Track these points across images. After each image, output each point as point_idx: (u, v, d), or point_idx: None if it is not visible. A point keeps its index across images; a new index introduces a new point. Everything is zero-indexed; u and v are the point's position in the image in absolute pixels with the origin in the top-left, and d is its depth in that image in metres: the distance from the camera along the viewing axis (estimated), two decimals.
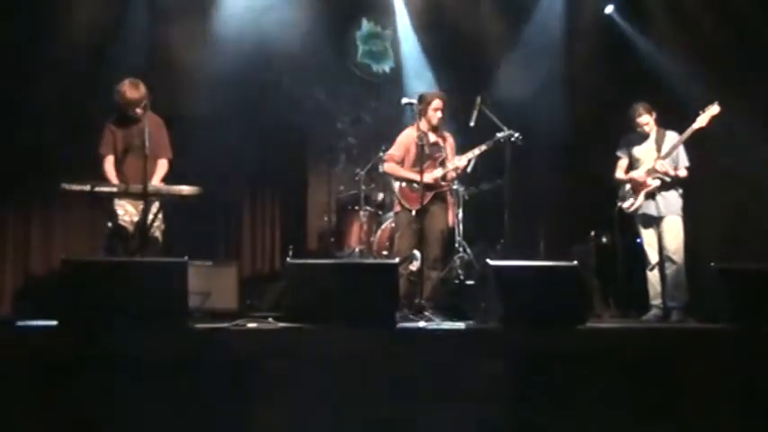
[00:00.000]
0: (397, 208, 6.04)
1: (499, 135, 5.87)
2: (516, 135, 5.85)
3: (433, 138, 5.95)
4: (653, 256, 5.92)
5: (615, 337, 4.77)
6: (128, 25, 6.98)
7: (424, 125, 5.87)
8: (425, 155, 5.76)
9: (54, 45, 6.69)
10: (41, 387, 3.80)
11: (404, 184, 5.95)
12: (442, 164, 5.91)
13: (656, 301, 5.88)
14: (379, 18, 8.17)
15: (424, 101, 5.90)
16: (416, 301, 5.50)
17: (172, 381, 3.84)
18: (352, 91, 7.91)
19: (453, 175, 5.98)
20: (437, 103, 5.91)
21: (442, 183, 5.90)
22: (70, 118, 6.55)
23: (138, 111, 5.47)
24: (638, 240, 6.05)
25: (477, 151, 5.93)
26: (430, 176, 5.80)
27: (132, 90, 5.47)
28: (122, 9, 6.99)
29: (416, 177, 5.76)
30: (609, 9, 7.95)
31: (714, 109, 5.76)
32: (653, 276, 5.92)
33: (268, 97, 7.48)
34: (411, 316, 5.24)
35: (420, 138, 5.67)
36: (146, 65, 6.53)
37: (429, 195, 5.80)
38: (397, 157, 6.02)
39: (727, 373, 4.41)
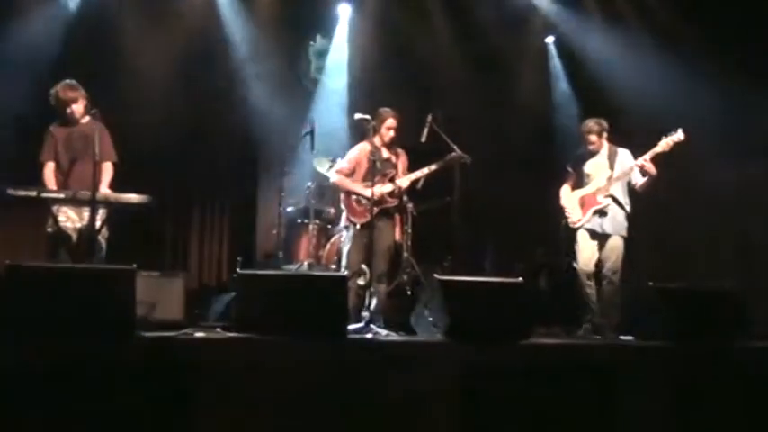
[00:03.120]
0: (346, 222, 6.10)
1: (449, 157, 5.99)
2: (465, 157, 5.96)
3: (386, 154, 6.04)
4: (587, 271, 5.90)
5: (557, 352, 4.89)
6: (78, 29, 6.92)
7: (377, 141, 5.96)
8: (377, 170, 5.84)
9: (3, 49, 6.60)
10: None
11: (351, 198, 6.01)
12: (392, 180, 5.99)
13: (587, 317, 5.89)
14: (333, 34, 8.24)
15: (378, 118, 5.98)
16: (363, 314, 5.55)
17: (118, 389, 3.80)
18: (305, 105, 7.95)
19: (401, 192, 6.05)
20: (391, 122, 5.99)
21: (389, 199, 5.97)
22: (15, 122, 6.44)
23: (76, 111, 5.44)
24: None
25: (426, 171, 6.04)
26: (377, 191, 5.87)
27: (65, 90, 5.46)
28: (73, 13, 6.93)
29: (363, 191, 5.88)
30: (550, 39, 8.21)
31: (678, 136, 5.73)
32: (586, 293, 5.91)
33: (220, 109, 7.48)
34: (358, 328, 5.28)
35: (372, 153, 5.76)
36: (96, 71, 6.47)
37: (375, 210, 5.86)
38: (346, 170, 6.09)
39: (664, 389, 4.57)
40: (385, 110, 6.05)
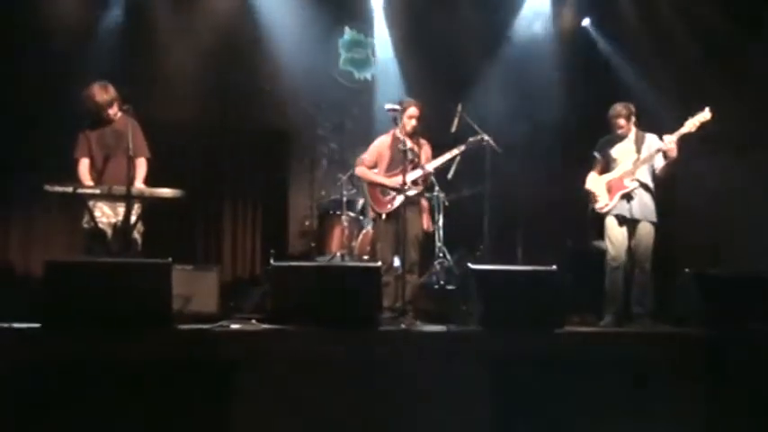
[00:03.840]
0: (372, 214, 6.12)
1: (469, 140, 5.98)
2: (486, 138, 5.94)
3: (408, 143, 6.03)
4: (616, 257, 5.78)
5: (591, 340, 4.86)
6: (108, 29, 6.98)
7: (399, 131, 5.98)
8: (399, 160, 5.85)
9: (36, 47, 6.70)
10: (25, 389, 3.80)
11: (376, 189, 6.02)
12: (416, 167, 5.96)
13: (611, 305, 5.75)
14: (362, 26, 8.25)
15: (399, 108, 5.99)
16: (397, 304, 5.56)
17: (157, 381, 3.87)
18: (335, 97, 7.97)
19: (425, 178, 6.02)
20: (412, 110, 5.98)
21: (413, 187, 5.93)
22: (52, 119, 6.54)
23: (111, 112, 5.49)
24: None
25: (448, 156, 6.04)
26: (398, 180, 5.88)
27: (101, 92, 5.46)
28: (104, 13, 7.00)
29: (386, 181, 5.90)
30: (585, 22, 8.11)
31: (705, 114, 5.61)
32: (612, 279, 5.79)
33: (251, 102, 7.52)
34: (393, 318, 5.30)
35: (403, 143, 5.77)
36: (127, 70, 6.55)
37: (399, 200, 5.88)
38: (368, 161, 6.11)
39: (699, 376, 4.53)
40: (406, 99, 6.06)
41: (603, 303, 5.85)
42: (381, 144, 6.09)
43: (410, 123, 5.97)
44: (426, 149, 6.11)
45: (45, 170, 5.79)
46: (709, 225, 7.01)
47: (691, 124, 5.64)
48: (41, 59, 6.69)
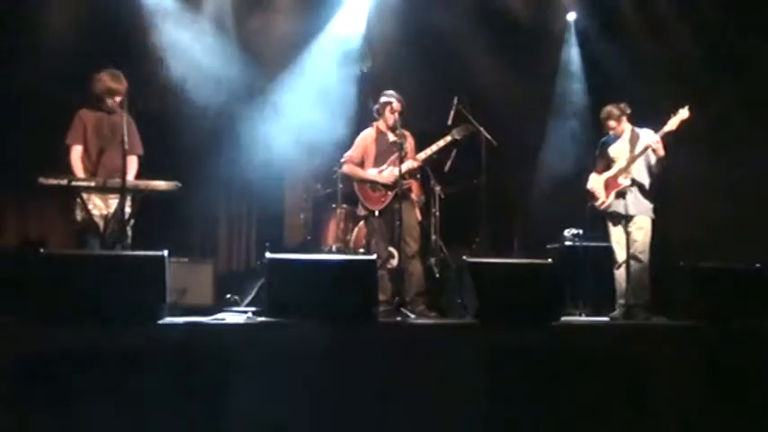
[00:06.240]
0: (362, 212, 6.07)
1: (455, 130, 5.99)
2: (473, 130, 5.97)
3: (392, 137, 6.01)
4: (620, 255, 5.94)
5: (586, 333, 4.88)
6: (109, 21, 6.94)
7: (382, 125, 5.98)
8: (386, 153, 5.89)
9: (32, 38, 6.65)
10: (17, 382, 3.79)
11: (366, 186, 6.00)
12: (402, 161, 5.94)
13: (621, 299, 5.91)
14: None
15: (381, 102, 5.98)
16: (407, 298, 5.61)
17: (152, 374, 3.85)
18: (331, 94, 7.92)
19: (410, 173, 6.01)
20: (393, 105, 5.97)
21: (402, 180, 5.93)
22: (45, 112, 6.50)
23: (117, 100, 5.48)
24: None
25: (434, 147, 6.03)
26: (388, 174, 5.87)
27: (113, 80, 5.49)
28: (107, 5, 6.96)
29: (378, 178, 5.93)
30: (571, 16, 8.10)
31: (683, 113, 5.76)
32: (619, 275, 5.94)
33: (246, 94, 7.48)
34: (388, 312, 5.31)
35: (399, 135, 5.76)
36: (124, 61, 6.50)
37: (390, 195, 5.86)
38: (356, 158, 6.09)
39: (695, 369, 4.54)
40: (387, 93, 6.04)
41: (613, 297, 5.95)
42: (366, 138, 6.08)
43: (392, 118, 5.97)
44: (410, 141, 6.08)
45: (39, 162, 5.76)
46: (700, 219, 7.00)
47: (672, 123, 5.77)
48: (33, 53, 6.63)
